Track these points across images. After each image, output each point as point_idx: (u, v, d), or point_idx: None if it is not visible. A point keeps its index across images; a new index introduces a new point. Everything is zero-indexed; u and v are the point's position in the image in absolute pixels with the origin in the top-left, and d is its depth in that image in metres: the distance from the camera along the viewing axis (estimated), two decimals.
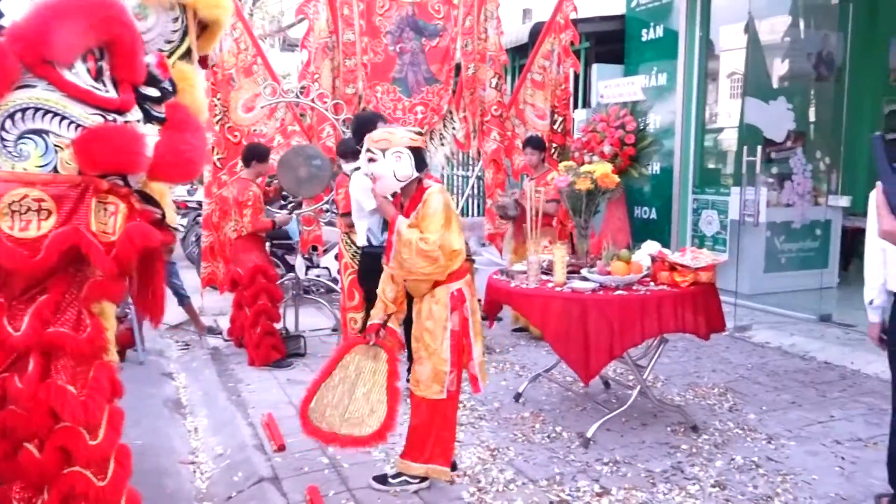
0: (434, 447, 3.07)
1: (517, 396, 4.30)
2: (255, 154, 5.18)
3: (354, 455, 3.51)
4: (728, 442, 3.67)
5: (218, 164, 5.84)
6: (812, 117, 7.31)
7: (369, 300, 3.79)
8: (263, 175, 5.34)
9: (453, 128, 6.43)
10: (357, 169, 4.28)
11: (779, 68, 7.27)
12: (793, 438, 3.71)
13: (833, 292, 6.86)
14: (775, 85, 7.20)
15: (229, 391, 4.52)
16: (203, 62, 2.56)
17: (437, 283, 3.02)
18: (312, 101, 5.75)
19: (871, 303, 2.98)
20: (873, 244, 2.90)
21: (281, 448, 3.58)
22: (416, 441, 3.11)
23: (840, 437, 3.73)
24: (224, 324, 5.77)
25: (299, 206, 6.15)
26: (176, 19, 2.30)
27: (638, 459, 3.46)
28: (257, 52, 5.89)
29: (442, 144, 6.40)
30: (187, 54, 2.37)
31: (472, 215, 9.24)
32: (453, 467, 3.30)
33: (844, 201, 7.11)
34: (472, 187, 8.87)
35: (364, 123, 3.98)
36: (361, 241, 4.31)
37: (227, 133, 5.85)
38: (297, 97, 5.83)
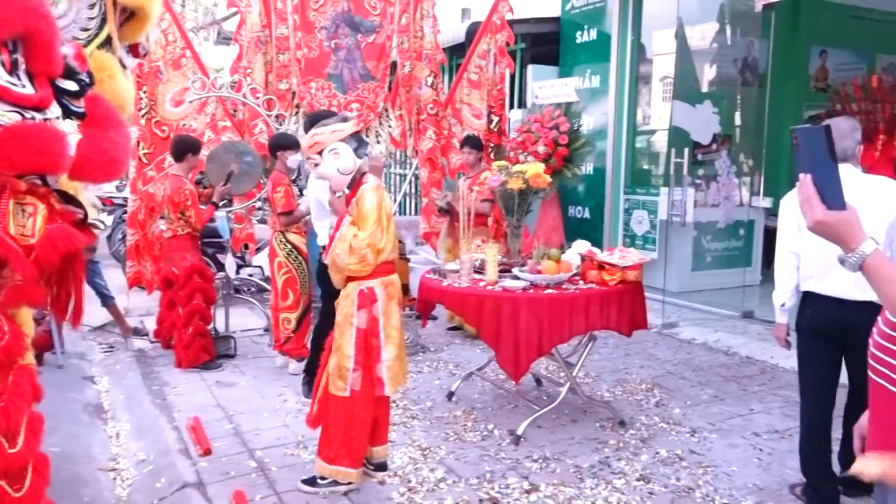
0: (340, 448, 3.04)
1: (450, 395, 4.31)
2: (190, 147, 5.00)
3: (283, 458, 3.46)
4: (654, 436, 3.76)
5: (144, 159, 5.65)
6: (737, 121, 7.58)
7: (328, 297, 3.74)
8: (195, 169, 5.20)
9: (389, 126, 6.39)
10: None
11: (706, 73, 7.52)
12: (715, 431, 3.84)
13: (756, 290, 7.12)
14: (704, 89, 7.44)
15: (154, 394, 4.38)
16: (134, 50, 2.45)
17: (350, 279, 3.01)
18: (244, 96, 5.63)
19: (782, 305, 3.11)
20: (784, 249, 3.02)
21: (207, 452, 3.49)
22: (325, 439, 3.10)
23: (758, 429, 3.88)
24: (151, 325, 5.59)
25: (230, 203, 6.00)
26: (92, 5, 2.19)
27: (567, 455, 3.51)
28: (186, 45, 5.72)
29: (378, 142, 6.34)
30: (107, 43, 2.26)
31: (409, 213, 9.22)
32: (384, 467, 3.28)
33: (767, 202, 7.39)
34: (409, 185, 8.85)
35: (319, 121, 3.89)
36: (323, 240, 4.22)
37: (154, 127, 5.66)
38: (229, 92, 5.69)
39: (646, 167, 7.78)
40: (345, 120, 3.08)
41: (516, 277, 3.78)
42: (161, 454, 3.53)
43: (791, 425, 3.87)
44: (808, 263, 2.93)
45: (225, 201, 6.25)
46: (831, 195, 1.38)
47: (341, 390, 3.02)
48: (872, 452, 1.59)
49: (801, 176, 1.41)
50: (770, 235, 7.72)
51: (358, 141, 3.06)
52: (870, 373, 1.58)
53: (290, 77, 6.00)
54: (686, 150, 6.23)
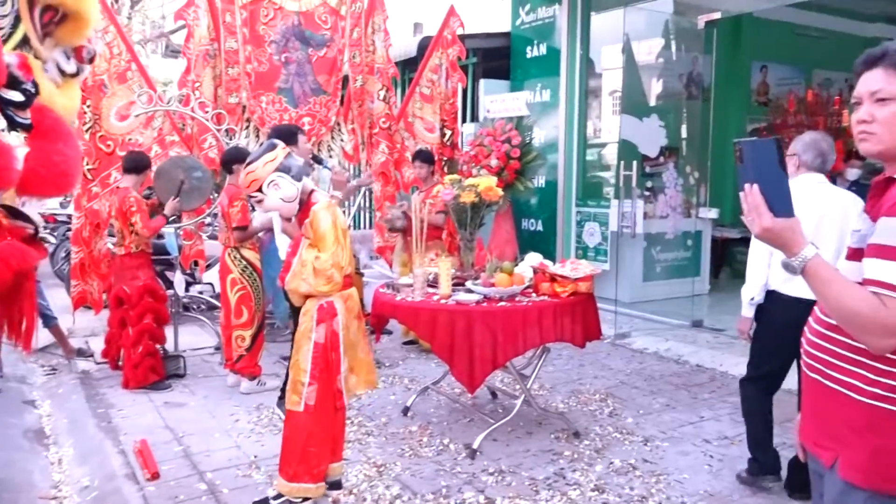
0: (299, 464, 3.00)
1: (405, 410, 4.28)
2: (146, 162, 4.97)
3: (235, 479, 3.38)
4: (607, 446, 3.80)
5: (88, 175, 5.49)
6: (683, 134, 7.77)
7: (296, 315, 3.69)
8: (143, 184, 5.08)
9: (341, 140, 6.36)
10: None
11: (653, 87, 7.70)
12: (667, 440, 3.89)
13: (704, 299, 7.30)
14: (651, 103, 7.61)
15: (99, 417, 4.23)
16: (78, 54, 2.36)
17: (309, 296, 2.99)
18: (192, 110, 5.53)
19: (751, 300, 3.25)
20: (760, 246, 3.17)
21: (155, 476, 3.38)
22: (284, 455, 3.06)
23: (709, 436, 3.96)
24: (96, 345, 5.42)
25: (179, 219, 5.87)
26: (3, 2, 2.11)
27: (522, 468, 3.52)
28: (132, 58, 5.60)
29: (330, 156, 6.31)
30: (25, 43, 2.18)
31: (364, 227, 9.18)
32: (338, 486, 3.23)
33: (713, 213, 7.60)
34: (363, 198, 8.82)
35: (283, 136, 3.83)
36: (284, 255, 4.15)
37: (99, 142, 5.51)
38: (177, 106, 5.58)
39: (597, 180, 7.91)
40: (272, 148, 3.04)
41: (470, 291, 3.78)
42: (106, 479, 3.41)
43: (740, 431, 3.93)
44: (779, 263, 3.06)
45: (174, 217, 6.13)
46: (780, 203, 1.44)
47: (295, 405, 3.00)
48: (808, 443, 1.67)
49: (747, 186, 1.46)
50: (717, 246, 7.95)
51: (294, 162, 3.03)
52: (804, 369, 1.66)
53: (239, 91, 5.92)
54: (635, 163, 6.36)
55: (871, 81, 1.52)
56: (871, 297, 1.41)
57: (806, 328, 1.67)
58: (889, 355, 1.45)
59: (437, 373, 4.73)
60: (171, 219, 5.19)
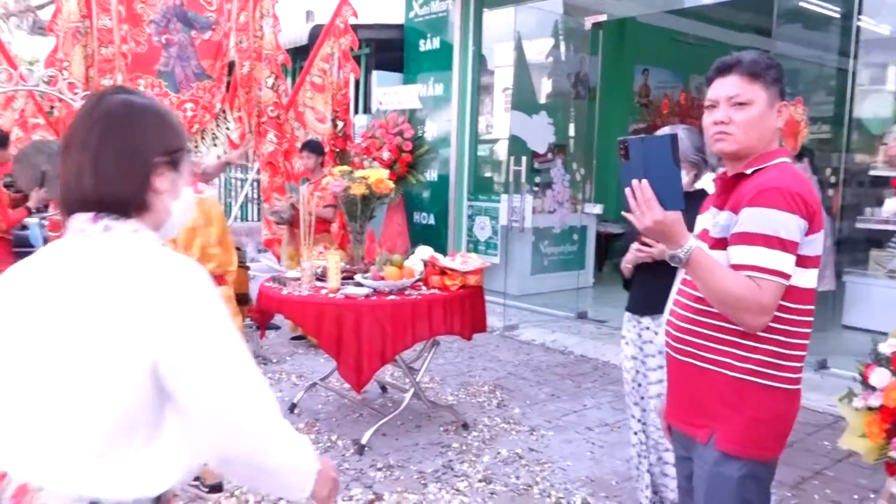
0: None
1: (292, 407, 4.16)
2: None
3: None
4: (495, 437, 3.85)
5: None
6: (571, 132, 8.02)
7: None
8: (2, 165, 4.65)
9: (227, 128, 6.11)
10: None
11: (543, 85, 7.89)
12: (552, 429, 4.00)
13: (589, 291, 7.57)
14: (541, 101, 7.80)
15: None
16: None
17: None
18: (60, 91, 5.13)
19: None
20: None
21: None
22: None
23: (591, 423, 4.10)
24: None
25: (45, 208, 5.44)
26: None
27: (411, 462, 3.51)
28: None
29: (215, 145, 6.05)
30: None
31: (251, 220, 8.88)
32: (219, 488, 3.10)
33: (598, 209, 7.86)
34: (251, 189, 8.53)
35: None
36: None
37: None
38: (42, 86, 5.16)
39: (488, 175, 8.03)
40: None
41: (359, 284, 3.72)
42: None
43: (619, 418, 4.12)
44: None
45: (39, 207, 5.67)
46: (670, 198, 1.49)
47: None
48: (679, 424, 1.76)
49: (635, 182, 1.49)
50: (601, 240, 8.26)
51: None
52: (672, 354, 1.74)
53: (114, 72, 5.56)
54: (524, 159, 6.49)
55: (727, 87, 1.63)
56: (749, 280, 1.52)
57: (671, 316, 1.76)
58: (759, 333, 1.56)
59: (326, 368, 4.64)
60: (35, 210, 4.80)
